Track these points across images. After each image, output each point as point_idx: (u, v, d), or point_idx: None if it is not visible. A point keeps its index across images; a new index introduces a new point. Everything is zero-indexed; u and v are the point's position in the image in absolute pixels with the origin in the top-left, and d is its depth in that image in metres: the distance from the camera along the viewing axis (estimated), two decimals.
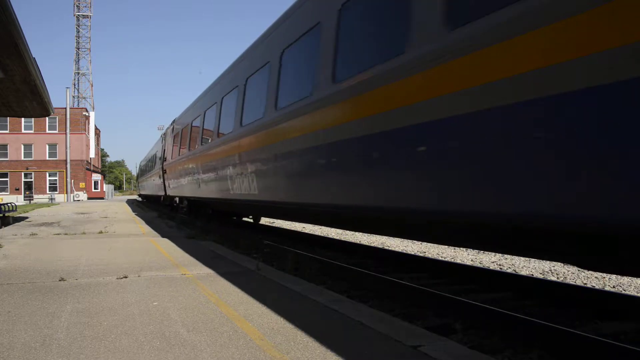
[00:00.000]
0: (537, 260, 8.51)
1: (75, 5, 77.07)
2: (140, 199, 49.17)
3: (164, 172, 19.29)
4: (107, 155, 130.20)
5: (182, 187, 15.40)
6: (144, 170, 35.37)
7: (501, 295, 5.47)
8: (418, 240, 5.50)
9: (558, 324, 3.96)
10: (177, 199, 18.70)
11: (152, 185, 27.56)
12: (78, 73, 78.99)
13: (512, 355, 3.65)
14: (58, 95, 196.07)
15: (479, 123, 3.26)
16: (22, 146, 49.63)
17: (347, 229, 7.49)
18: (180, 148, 15.65)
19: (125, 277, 5.64)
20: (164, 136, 21.20)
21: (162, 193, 21.22)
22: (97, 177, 59.61)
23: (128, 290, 4.96)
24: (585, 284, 6.89)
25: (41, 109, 16.15)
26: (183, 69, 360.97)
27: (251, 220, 16.36)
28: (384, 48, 4.47)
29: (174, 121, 18.21)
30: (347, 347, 3.11)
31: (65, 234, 11.45)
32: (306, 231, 14.33)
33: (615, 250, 3.17)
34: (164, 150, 20.14)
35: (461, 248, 10.03)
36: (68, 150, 47.53)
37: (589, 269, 3.60)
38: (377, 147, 4.43)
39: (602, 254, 3.25)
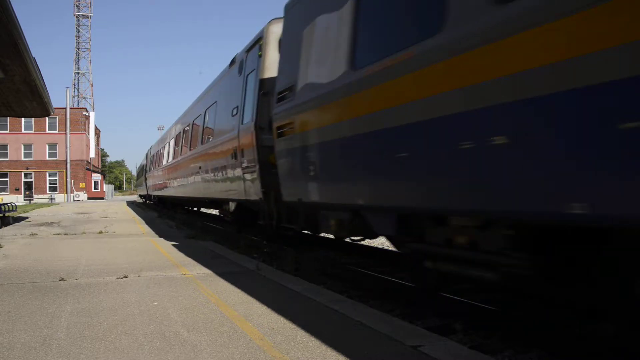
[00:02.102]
0: None
1: (75, 5, 77.17)
2: (141, 199, 40.84)
3: (294, 127, 5.63)
4: (107, 155, 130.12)
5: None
6: (166, 155, 19.49)
7: (501, 295, 5.45)
8: None
9: (558, 324, 3.96)
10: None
11: (193, 179, 12.99)
12: (78, 73, 79.11)
13: (512, 355, 3.65)
14: (58, 95, 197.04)
15: None
16: (22, 146, 49.68)
17: None
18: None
19: (125, 277, 5.64)
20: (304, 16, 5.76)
21: (246, 196, 8.41)
22: (97, 177, 59.70)
23: (128, 290, 4.97)
24: None
25: (41, 109, 16.15)
26: (183, 69, 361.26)
27: None
28: None
29: None
30: (347, 347, 3.11)
31: (65, 234, 11.45)
32: None
33: None
34: (292, 64, 5.80)
35: None
36: (68, 150, 47.55)
37: None
38: None
39: None
